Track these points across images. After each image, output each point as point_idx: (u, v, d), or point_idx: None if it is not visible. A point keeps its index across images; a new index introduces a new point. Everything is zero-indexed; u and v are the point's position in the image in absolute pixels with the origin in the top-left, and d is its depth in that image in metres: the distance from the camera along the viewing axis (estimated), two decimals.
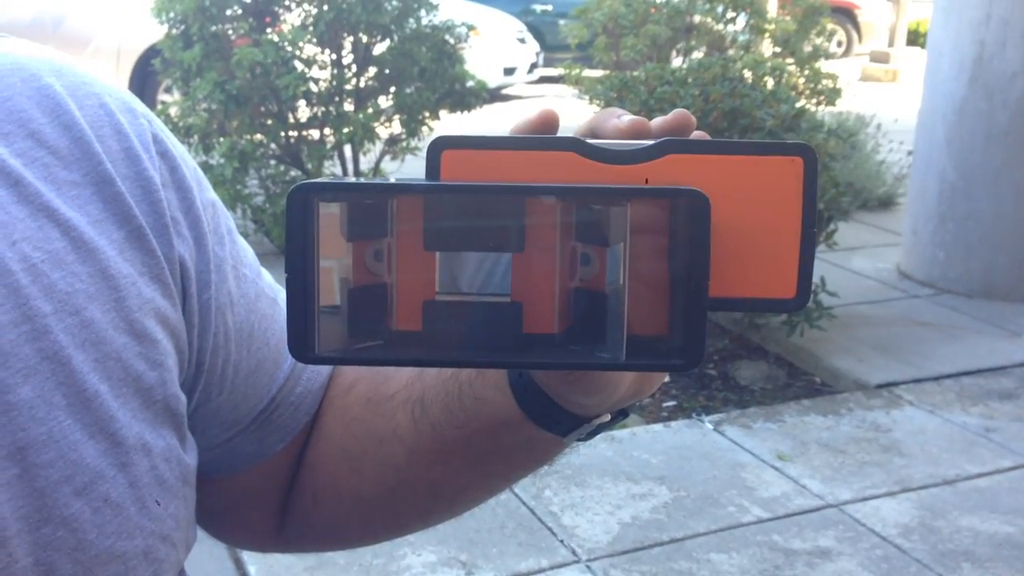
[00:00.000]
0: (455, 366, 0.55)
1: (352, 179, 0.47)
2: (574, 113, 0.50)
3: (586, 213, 0.42)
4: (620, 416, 0.58)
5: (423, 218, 0.42)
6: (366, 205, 0.42)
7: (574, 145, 0.45)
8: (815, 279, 3.70)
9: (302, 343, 0.42)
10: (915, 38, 12.65)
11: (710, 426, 3.34)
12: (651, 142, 0.45)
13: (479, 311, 0.42)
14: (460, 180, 0.44)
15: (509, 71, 10.16)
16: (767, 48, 6.29)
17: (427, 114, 5.04)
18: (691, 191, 0.40)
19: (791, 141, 0.47)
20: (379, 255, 0.42)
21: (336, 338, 0.42)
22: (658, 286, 0.41)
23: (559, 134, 0.48)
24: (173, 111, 4.83)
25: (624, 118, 0.47)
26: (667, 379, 3.70)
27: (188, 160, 0.60)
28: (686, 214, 0.40)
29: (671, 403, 3.58)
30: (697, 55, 5.91)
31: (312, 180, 0.41)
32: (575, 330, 0.43)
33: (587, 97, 5.01)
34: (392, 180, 0.42)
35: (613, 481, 2.95)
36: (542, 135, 0.47)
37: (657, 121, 0.48)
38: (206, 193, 0.60)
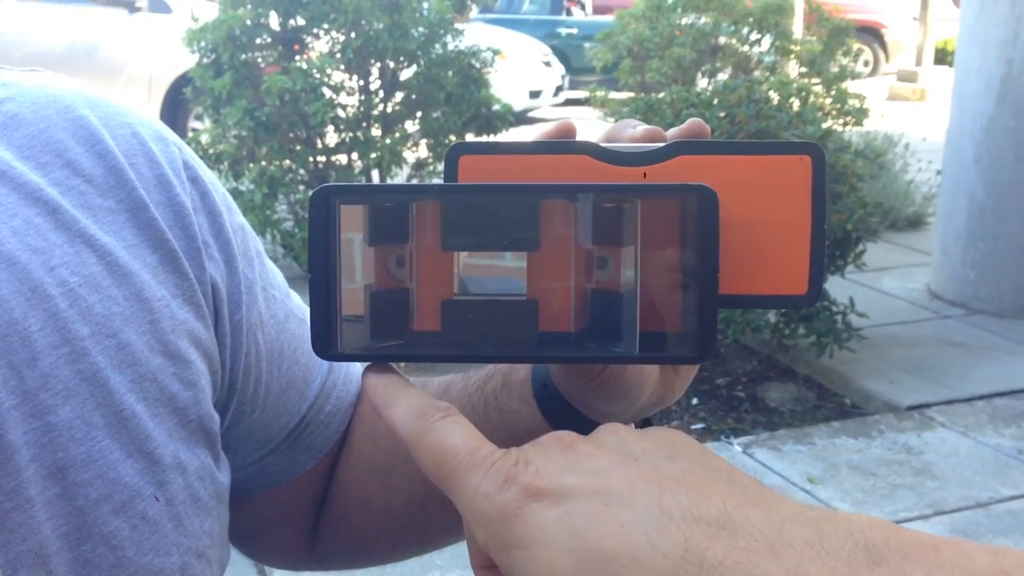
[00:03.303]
0: (473, 362, 0.57)
1: (372, 183, 0.49)
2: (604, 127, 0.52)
3: (599, 213, 0.43)
4: (644, 426, 0.59)
5: (441, 219, 0.43)
6: (388, 211, 0.44)
7: (587, 148, 0.47)
8: (844, 299, 3.66)
9: (325, 341, 0.43)
10: (943, 57, 12.60)
11: (739, 448, 3.32)
12: (662, 144, 0.46)
13: (496, 309, 0.44)
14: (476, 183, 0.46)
15: (535, 94, 10.21)
16: (793, 69, 6.29)
17: (453, 138, 5.07)
18: (699, 187, 0.41)
19: (799, 140, 0.48)
20: (401, 260, 0.44)
21: (358, 338, 0.44)
22: (670, 282, 0.42)
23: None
24: (204, 138, 4.89)
25: (639, 127, 0.49)
26: (695, 401, 3.68)
27: (218, 186, 0.61)
28: (695, 210, 0.41)
29: (700, 426, 3.56)
30: (722, 77, 5.92)
31: (333, 183, 0.43)
32: (591, 328, 0.44)
33: (613, 119, 5.03)
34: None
35: None
36: (556, 140, 0.49)
37: (672, 131, 0.49)
38: (235, 217, 0.62)
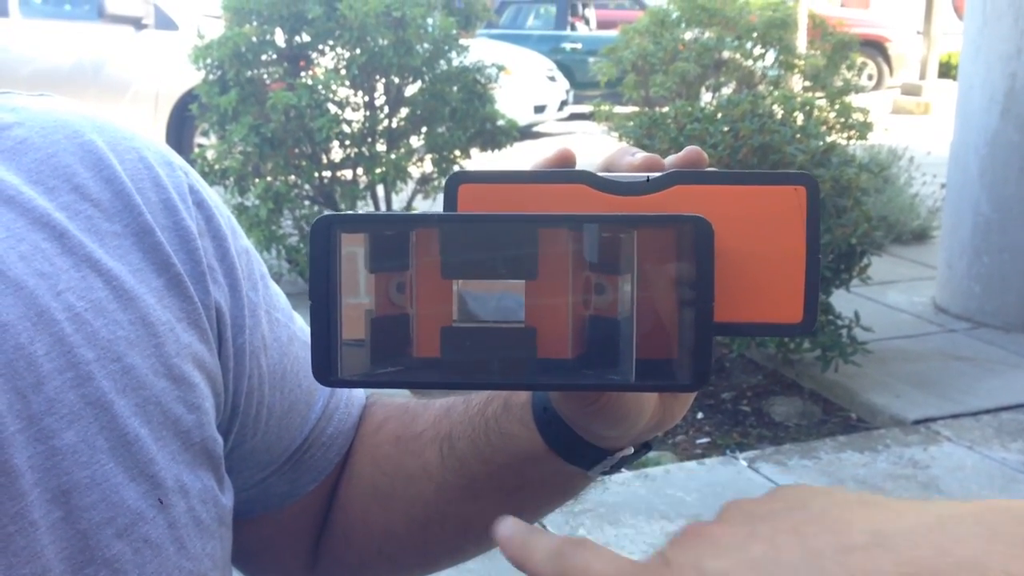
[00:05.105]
0: (472, 388, 0.58)
1: (372, 211, 0.49)
2: (604, 150, 0.53)
3: (597, 242, 0.44)
4: (643, 449, 0.59)
5: (440, 248, 0.44)
6: (388, 239, 0.44)
7: (585, 178, 0.47)
8: (849, 313, 3.65)
9: (325, 368, 0.43)
10: (947, 70, 12.60)
11: (744, 463, 3.31)
12: (659, 174, 0.47)
13: (494, 336, 0.44)
14: (475, 212, 0.47)
15: (539, 109, 10.23)
16: (797, 83, 6.30)
17: (458, 153, 5.09)
18: (695, 218, 0.42)
19: (794, 171, 0.49)
20: (401, 287, 0.44)
21: (358, 364, 0.44)
22: (667, 311, 0.43)
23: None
24: (210, 154, 4.91)
25: (637, 155, 0.50)
26: (700, 416, 3.68)
27: (223, 209, 0.62)
28: (691, 240, 0.42)
29: (705, 440, 3.56)
30: (726, 91, 5.93)
31: (334, 212, 0.44)
32: (589, 356, 0.44)
33: (617, 134, 5.04)
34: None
35: (647, 519, 2.93)
36: (554, 169, 0.49)
37: (670, 158, 0.50)
38: (240, 240, 0.62)
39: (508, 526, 0.42)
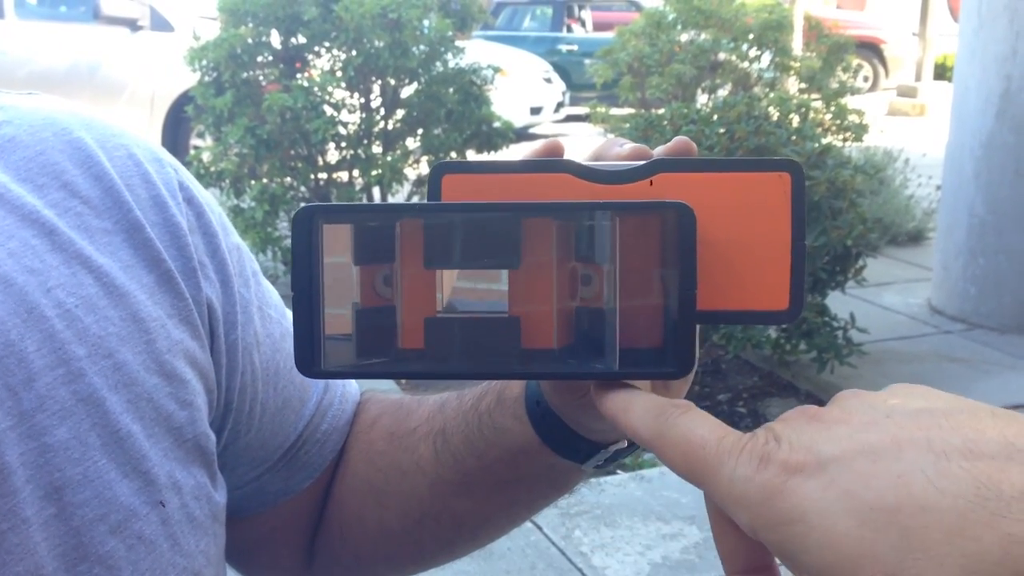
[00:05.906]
0: (456, 378, 0.58)
1: (354, 202, 0.49)
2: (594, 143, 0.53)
3: (581, 231, 0.43)
4: (631, 448, 0.59)
5: (423, 238, 0.44)
6: (373, 230, 0.44)
7: (568, 167, 0.47)
8: (845, 315, 3.64)
9: (308, 359, 0.43)
10: (942, 72, 12.62)
11: None
12: (643, 162, 0.47)
13: (478, 326, 0.44)
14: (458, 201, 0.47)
15: (535, 110, 10.23)
16: (793, 85, 6.31)
17: (454, 155, 5.09)
18: (677, 204, 0.41)
19: (779, 157, 0.48)
20: (387, 279, 0.44)
21: (343, 355, 0.44)
22: (650, 299, 0.43)
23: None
24: (205, 156, 4.90)
25: (625, 146, 0.50)
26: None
27: (213, 206, 0.62)
28: (673, 227, 0.42)
29: None
30: (722, 93, 5.94)
31: (317, 203, 0.44)
32: (573, 345, 0.44)
33: (613, 135, 5.04)
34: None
35: (643, 521, 2.93)
36: (538, 159, 0.49)
37: (659, 148, 0.49)
38: (231, 237, 0.62)
39: (608, 387, 0.41)
